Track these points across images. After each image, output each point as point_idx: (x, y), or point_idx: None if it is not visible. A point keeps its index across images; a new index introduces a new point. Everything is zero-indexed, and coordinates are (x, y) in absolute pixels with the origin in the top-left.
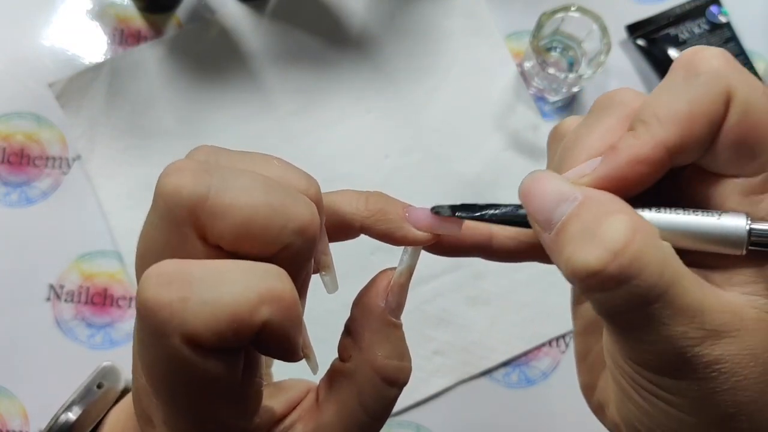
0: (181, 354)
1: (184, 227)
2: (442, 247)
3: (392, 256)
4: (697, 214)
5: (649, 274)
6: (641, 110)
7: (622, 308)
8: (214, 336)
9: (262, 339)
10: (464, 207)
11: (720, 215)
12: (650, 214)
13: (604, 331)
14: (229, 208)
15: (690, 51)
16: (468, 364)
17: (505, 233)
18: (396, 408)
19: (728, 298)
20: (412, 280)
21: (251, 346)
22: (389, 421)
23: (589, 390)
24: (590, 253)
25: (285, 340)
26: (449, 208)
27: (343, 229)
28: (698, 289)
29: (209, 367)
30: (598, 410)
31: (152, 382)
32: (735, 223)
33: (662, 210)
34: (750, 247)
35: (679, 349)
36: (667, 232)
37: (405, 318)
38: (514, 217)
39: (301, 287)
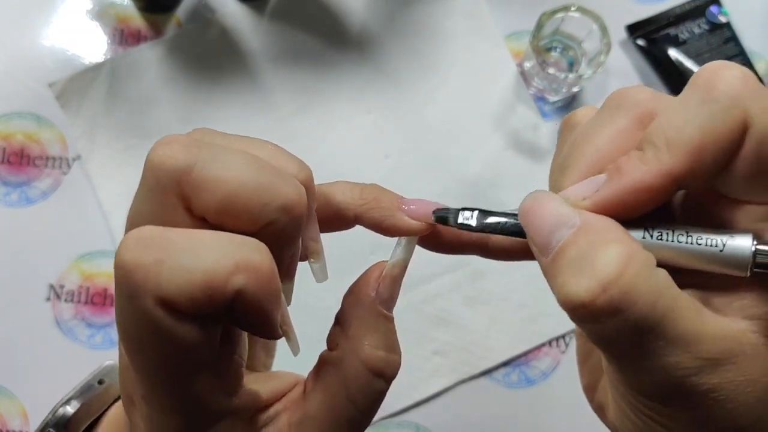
0: (154, 316)
1: (170, 197)
2: (439, 243)
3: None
4: (700, 240)
5: (642, 305)
6: (653, 129)
7: (614, 338)
8: (187, 300)
9: (237, 309)
10: (465, 214)
11: (725, 240)
12: (650, 241)
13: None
14: (214, 181)
15: (711, 68)
16: (468, 364)
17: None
18: (396, 408)
19: (727, 324)
20: (412, 280)
21: (228, 320)
22: (389, 421)
23: (590, 391)
24: (581, 284)
25: (261, 313)
26: (454, 216)
27: (337, 218)
28: (695, 317)
29: (184, 333)
30: (599, 410)
31: (129, 350)
32: (740, 243)
33: (664, 232)
34: (755, 269)
35: (674, 379)
36: (668, 251)
37: (405, 318)
38: (516, 230)
39: (286, 269)
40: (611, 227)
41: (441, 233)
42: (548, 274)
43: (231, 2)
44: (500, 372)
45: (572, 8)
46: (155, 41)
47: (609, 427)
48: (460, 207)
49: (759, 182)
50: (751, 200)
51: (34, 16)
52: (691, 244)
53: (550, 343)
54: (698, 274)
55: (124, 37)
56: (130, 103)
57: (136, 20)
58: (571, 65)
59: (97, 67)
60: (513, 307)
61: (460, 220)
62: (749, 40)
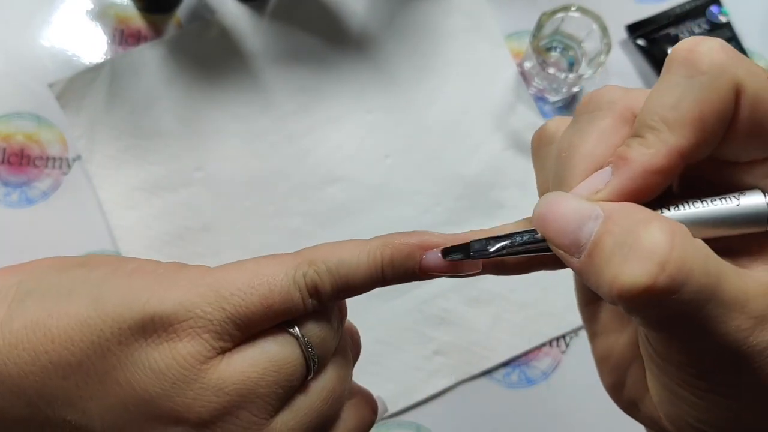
0: None
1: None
2: (455, 268)
3: None
4: (715, 202)
5: (698, 276)
6: (645, 114)
7: (674, 317)
8: None
9: None
10: (476, 246)
11: (738, 197)
12: (671, 213)
13: (644, 341)
14: None
15: (686, 45)
16: (468, 364)
17: None
18: (396, 408)
19: (764, 279)
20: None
21: None
22: (389, 421)
23: (616, 389)
24: (637, 269)
25: None
26: (460, 252)
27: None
28: (738, 278)
29: None
30: (630, 407)
31: None
32: (754, 201)
33: (680, 206)
34: None
35: (735, 344)
36: (691, 227)
37: (405, 318)
38: (532, 245)
39: None
40: (639, 208)
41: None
42: (587, 271)
43: (231, 3)
44: (500, 372)
45: (572, 8)
46: (155, 41)
47: (643, 422)
48: (468, 243)
49: (758, 141)
50: (752, 159)
51: (34, 17)
52: (708, 207)
53: (550, 343)
54: (718, 241)
55: (124, 37)
56: (130, 103)
57: (136, 20)
58: (572, 65)
59: (97, 68)
60: (513, 307)
61: (472, 253)
62: (749, 40)
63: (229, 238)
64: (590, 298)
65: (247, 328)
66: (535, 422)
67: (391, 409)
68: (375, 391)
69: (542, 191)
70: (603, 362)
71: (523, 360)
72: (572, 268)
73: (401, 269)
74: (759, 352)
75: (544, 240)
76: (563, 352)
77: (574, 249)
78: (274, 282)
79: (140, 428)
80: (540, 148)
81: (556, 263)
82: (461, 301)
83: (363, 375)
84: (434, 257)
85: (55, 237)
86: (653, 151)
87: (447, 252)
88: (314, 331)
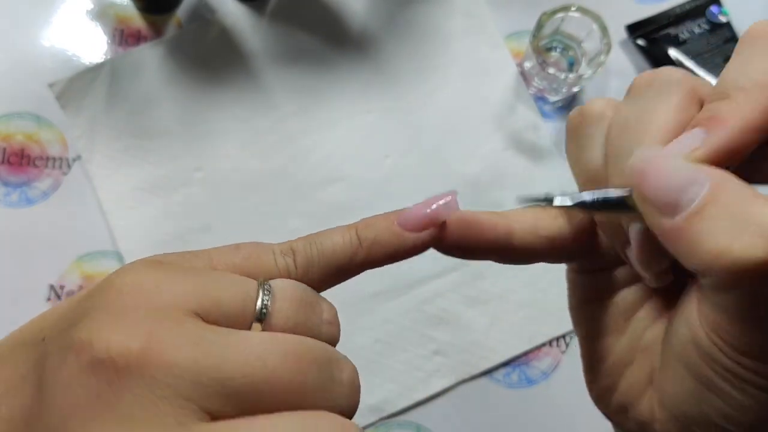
0: None
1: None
2: (459, 246)
3: None
4: None
5: None
6: (729, 81)
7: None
8: None
9: None
10: (557, 197)
11: None
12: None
13: (693, 328)
14: None
15: (764, 22)
16: (468, 364)
17: (524, 228)
18: (396, 408)
19: None
20: (412, 280)
21: None
22: (389, 421)
23: (607, 393)
24: (753, 244)
25: None
26: (544, 200)
27: (343, 276)
28: None
29: None
30: (619, 412)
31: None
32: None
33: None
34: None
35: None
36: None
37: (405, 318)
38: (614, 201)
39: None
40: (743, 183)
41: (456, 236)
42: (679, 236)
43: (231, 2)
44: (500, 372)
45: (572, 8)
46: (155, 41)
47: (630, 428)
48: (543, 196)
49: None
50: None
51: (34, 17)
52: None
53: (550, 343)
54: None
55: (124, 37)
56: (130, 103)
57: (136, 20)
58: (571, 65)
59: (97, 68)
60: (513, 307)
61: (556, 203)
62: None
63: (229, 238)
64: (587, 298)
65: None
66: (535, 422)
67: (391, 409)
68: (375, 391)
69: (586, 172)
70: (597, 364)
71: (523, 360)
72: (659, 229)
73: (375, 227)
74: None
75: (623, 197)
76: (563, 352)
77: (671, 209)
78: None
79: None
80: (583, 127)
81: (561, 255)
82: (461, 301)
83: (363, 375)
84: (410, 211)
85: (55, 237)
86: (748, 108)
87: (524, 200)
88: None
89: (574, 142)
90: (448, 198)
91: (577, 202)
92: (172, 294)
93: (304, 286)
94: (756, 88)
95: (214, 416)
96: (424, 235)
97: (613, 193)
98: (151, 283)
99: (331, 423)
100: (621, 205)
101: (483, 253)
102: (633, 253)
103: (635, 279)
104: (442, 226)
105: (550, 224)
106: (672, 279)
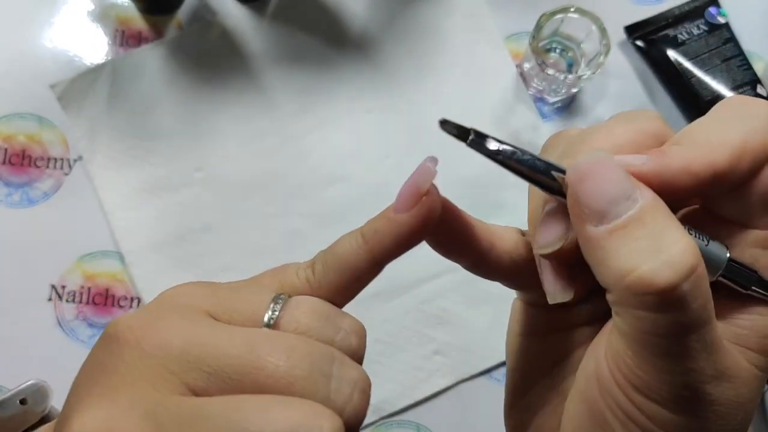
0: None
1: None
2: (439, 237)
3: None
4: (691, 232)
5: (700, 305)
6: (687, 134)
7: (662, 333)
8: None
9: None
10: (476, 133)
11: (707, 241)
12: None
13: (598, 360)
14: None
15: (739, 96)
16: (468, 364)
17: (505, 247)
18: (396, 408)
19: (729, 344)
20: (412, 280)
21: None
22: (389, 421)
23: (518, 430)
24: (660, 270)
25: None
26: (459, 131)
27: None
28: (717, 327)
29: None
30: None
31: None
32: (720, 248)
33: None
34: (720, 278)
35: (693, 384)
36: None
37: (405, 318)
38: (536, 174)
39: None
40: (670, 212)
41: (448, 228)
42: (599, 245)
43: (232, 4)
44: (500, 372)
45: (571, 9)
46: (156, 43)
47: None
48: (469, 128)
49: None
50: (751, 225)
51: (36, 18)
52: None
53: None
54: None
55: (125, 38)
56: (131, 104)
57: (137, 22)
58: (571, 66)
59: (98, 69)
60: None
61: (471, 137)
62: (748, 41)
63: (230, 238)
64: (527, 331)
65: None
66: None
67: (391, 409)
68: (375, 391)
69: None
70: (516, 399)
71: None
72: (580, 233)
73: (375, 220)
74: (708, 403)
75: (553, 180)
76: None
77: (598, 218)
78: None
79: None
80: (552, 138)
81: (521, 283)
82: (461, 301)
83: None
84: (404, 193)
85: (57, 237)
86: (692, 155)
87: (445, 122)
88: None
89: (540, 152)
90: (423, 164)
91: (495, 149)
92: (192, 296)
93: (323, 301)
94: (707, 145)
95: (197, 393)
96: (415, 213)
97: (544, 164)
98: (183, 290)
99: (303, 406)
100: (542, 175)
101: (461, 254)
102: (539, 231)
103: (577, 324)
104: (430, 202)
105: (526, 251)
106: (571, 296)
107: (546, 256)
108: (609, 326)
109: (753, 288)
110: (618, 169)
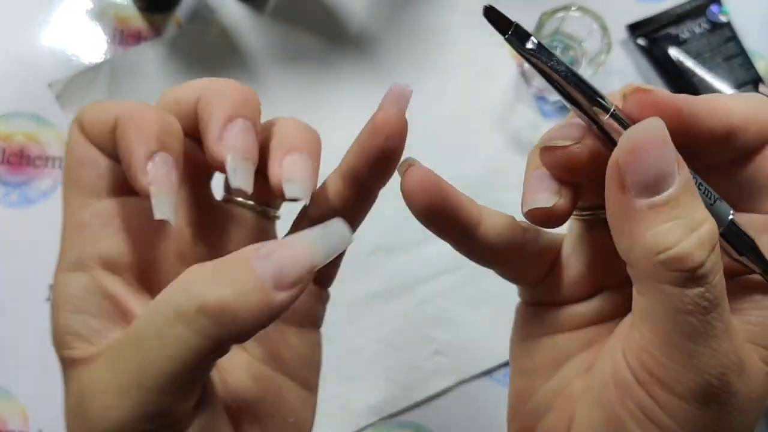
0: None
1: None
2: (425, 207)
3: (392, 255)
4: (701, 187)
5: (719, 279)
6: (703, 95)
7: (689, 309)
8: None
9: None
10: (520, 28)
11: (715, 200)
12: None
13: (617, 362)
14: None
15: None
16: (468, 364)
17: (493, 223)
18: (396, 408)
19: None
20: (412, 280)
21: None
22: (389, 421)
23: None
24: (696, 248)
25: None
26: (500, 22)
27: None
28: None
29: None
30: None
31: None
32: (723, 210)
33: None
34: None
35: (719, 370)
36: None
37: (405, 318)
38: (573, 84)
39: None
40: (696, 188)
41: (434, 199)
42: (635, 216)
43: (231, 2)
44: (500, 372)
45: (573, 8)
46: (155, 41)
47: None
48: (514, 22)
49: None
50: (755, 209)
51: (34, 16)
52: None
53: None
54: None
55: (124, 37)
56: None
57: (136, 20)
58: (572, 65)
59: (96, 67)
60: (513, 307)
61: (510, 31)
62: (750, 40)
63: None
64: (530, 334)
65: None
66: None
67: (391, 409)
68: (375, 392)
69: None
70: (520, 403)
71: None
72: (614, 199)
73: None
74: (729, 395)
75: (602, 102)
76: None
77: (639, 189)
78: None
79: None
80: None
81: (512, 267)
82: (461, 301)
83: (363, 375)
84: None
85: (55, 237)
86: (715, 104)
87: (490, 10)
88: None
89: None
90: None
91: (530, 49)
92: None
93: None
94: (724, 105)
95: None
96: (398, 109)
97: (594, 91)
98: None
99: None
100: (584, 100)
101: (447, 225)
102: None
103: (580, 325)
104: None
105: (518, 234)
106: (551, 204)
107: (530, 218)
108: (626, 326)
109: (745, 255)
110: (670, 145)
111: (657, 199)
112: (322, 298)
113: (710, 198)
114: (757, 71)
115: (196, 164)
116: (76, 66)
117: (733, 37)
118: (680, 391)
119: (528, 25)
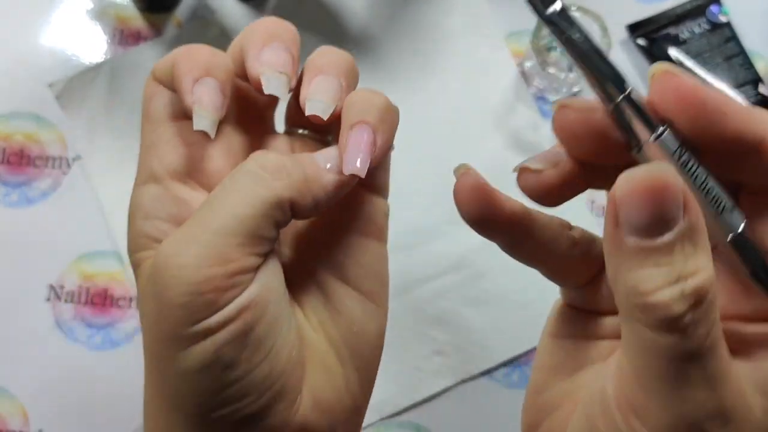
0: None
1: None
2: (474, 216)
3: (392, 255)
4: (712, 184)
5: (702, 333)
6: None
7: (662, 354)
8: None
9: None
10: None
11: (727, 204)
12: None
13: (606, 378)
14: None
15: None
16: (468, 364)
17: (543, 232)
18: (396, 408)
19: (742, 383)
20: (412, 281)
21: None
22: (389, 421)
23: (530, 429)
24: (676, 301)
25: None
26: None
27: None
28: (727, 356)
29: None
30: None
31: None
32: (736, 220)
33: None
34: (730, 247)
35: (691, 417)
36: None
37: (405, 318)
38: (587, 57)
39: None
40: (704, 234)
41: (476, 200)
42: (622, 253)
43: (231, 2)
44: (500, 372)
45: (572, 8)
46: (155, 41)
47: None
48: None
49: None
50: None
51: (34, 16)
52: (703, 183)
53: None
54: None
55: (124, 37)
56: (130, 103)
57: (136, 20)
58: (571, 65)
59: (96, 67)
60: (513, 307)
61: (548, 11)
62: (749, 40)
63: None
64: (562, 333)
65: None
66: None
67: (391, 410)
68: (375, 391)
69: None
70: (534, 397)
71: (523, 360)
72: (608, 231)
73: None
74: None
75: (612, 103)
76: None
77: (631, 230)
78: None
79: None
80: None
81: (570, 270)
82: (461, 301)
83: None
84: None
85: (55, 237)
86: (748, 111)
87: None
88: None
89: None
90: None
91: (549, 13)
92: None
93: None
94: (752, 113)
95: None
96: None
97: (613, 70)
98: None
99: None
100: (597, 78)
101: (497, 234)
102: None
103: (604, 336)
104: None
105: (568, 243)
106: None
107: (518, 179)
108: (617, 351)
109: (754, 272)
110: (675, 192)
111: (647, 243)
112: (381, 207)
113: (718, 206)
114: (757, 71)
115: (256, 103)
116: (76, 66)
117: (733, 37)
118: (652, 426)
119: (528, 24)
